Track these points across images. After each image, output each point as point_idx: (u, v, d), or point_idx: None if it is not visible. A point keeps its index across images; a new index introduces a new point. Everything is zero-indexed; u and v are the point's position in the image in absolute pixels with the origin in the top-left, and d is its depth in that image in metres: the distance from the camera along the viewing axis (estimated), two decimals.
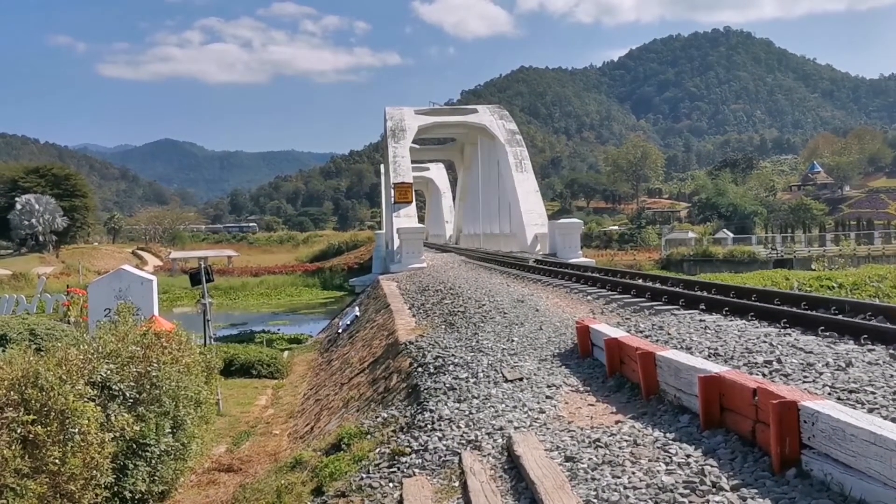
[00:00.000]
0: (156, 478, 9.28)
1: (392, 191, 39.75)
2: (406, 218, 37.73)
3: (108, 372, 8.69)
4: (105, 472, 7.77)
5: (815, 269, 47.55)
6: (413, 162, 46.26)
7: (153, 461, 9.12)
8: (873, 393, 5.67)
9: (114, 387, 8.70)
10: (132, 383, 9.02)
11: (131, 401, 8.90)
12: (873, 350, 7.42)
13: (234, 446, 13.26)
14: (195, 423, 10.46)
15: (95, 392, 8.24)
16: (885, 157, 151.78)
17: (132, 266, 23.51)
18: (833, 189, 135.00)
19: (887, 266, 42.83)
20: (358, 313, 25.22)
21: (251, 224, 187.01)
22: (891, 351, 7.32)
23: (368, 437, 8.17)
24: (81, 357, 8.42)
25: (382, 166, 63.17)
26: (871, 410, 5.16)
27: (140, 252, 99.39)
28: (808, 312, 9.83)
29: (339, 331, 24.79)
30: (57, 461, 7.07)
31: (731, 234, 74.29)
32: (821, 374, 6.45)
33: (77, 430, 7.33)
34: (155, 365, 9.45)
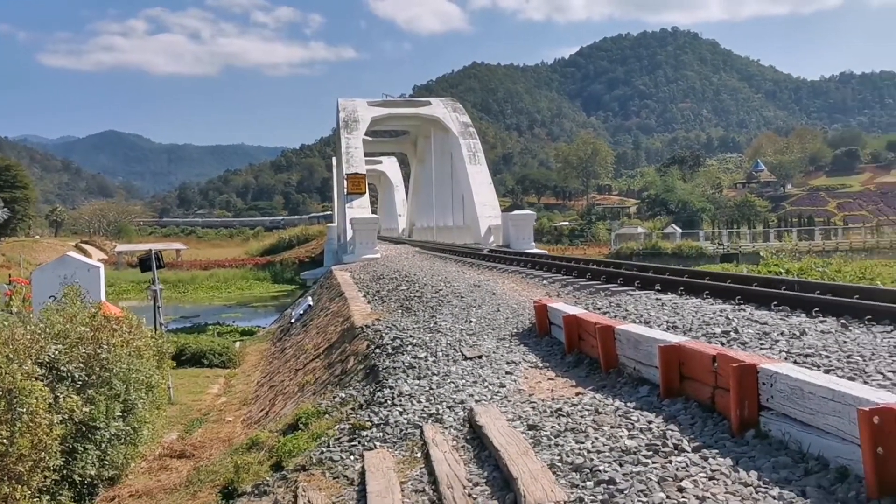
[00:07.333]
0: (106, 462, 9.06)
1: (345, 181, 39.48)
2: (359, 209, 37.56)
3: (57, 352, 8.45)
4: (53, 454, 7.55)
5: (762, 264, 48.67)
6: (366, 155, 45.96)
7: (103, 445, 8.90)
8: (828, 357, 5.83)
9: (62, 368, 8.46)
10: (81, 364, 8.78)
11: (80, 383, 8.67)
12: (825, 321, 7.62)
13: (186, 433, 13.01)
14: (146, 407, 10.24)
15: (43, 372, 8.00)
16: (824, 156, 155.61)
17: None
18: (776, 187, 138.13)
19: (827, 260, 44.09)
20: (311, 303, 24.98)
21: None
22: (842, 321, 7.53)
23: (327, 416, 8.06)
24: (29, 337, 8.16)
25: (335, 159, 62.71)
26: (827, 372, 5.30)
27: (84, 245, 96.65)
28: (762, 289, 10.05)
29: (292, 321, 24.51)
30: (5, 441, 6.84)
31: (680, 230, 75.58)
32: (776, 341, 6.61)
33: (25, 409, 7.11)
34: (105, 347, 9.22)
